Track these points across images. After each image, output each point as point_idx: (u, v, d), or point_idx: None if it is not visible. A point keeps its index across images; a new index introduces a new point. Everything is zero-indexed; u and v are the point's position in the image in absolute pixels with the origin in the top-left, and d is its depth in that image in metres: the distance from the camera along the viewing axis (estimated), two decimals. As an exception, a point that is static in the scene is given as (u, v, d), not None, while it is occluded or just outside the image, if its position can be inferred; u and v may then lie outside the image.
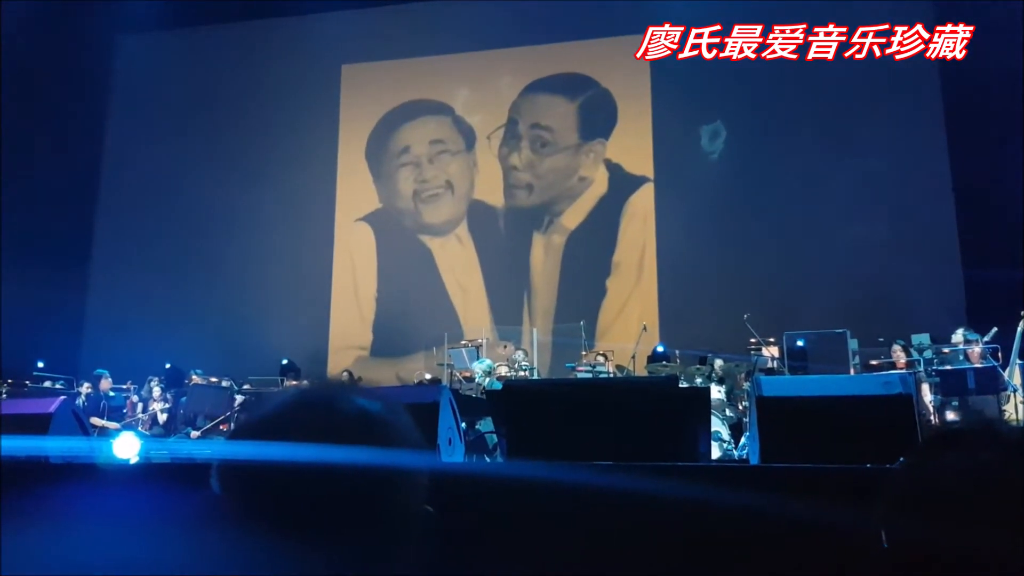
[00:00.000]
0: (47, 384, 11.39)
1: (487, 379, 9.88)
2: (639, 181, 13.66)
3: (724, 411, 9.04)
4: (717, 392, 9.06)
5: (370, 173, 14.93)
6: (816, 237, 12.14)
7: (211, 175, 14.73)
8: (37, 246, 13.02)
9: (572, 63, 14.20)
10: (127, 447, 5.29)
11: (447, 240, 14.32)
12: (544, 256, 13.73)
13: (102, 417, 10.28)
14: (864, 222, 11.85)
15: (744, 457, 7.68)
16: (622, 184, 13.73)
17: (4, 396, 9.63)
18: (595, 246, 13.58)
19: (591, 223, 13.73)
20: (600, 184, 13.83)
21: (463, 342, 11.65)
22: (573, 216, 13.82)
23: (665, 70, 12.88)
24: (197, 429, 10.43)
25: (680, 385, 5.95)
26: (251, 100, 15.04)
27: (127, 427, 9.86)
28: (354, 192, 14.90)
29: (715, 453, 7.84)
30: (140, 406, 11.03)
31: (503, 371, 10.36)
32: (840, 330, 10.04)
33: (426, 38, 14.67)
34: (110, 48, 15.71)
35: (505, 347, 11.92)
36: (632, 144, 13.78)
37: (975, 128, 11.28)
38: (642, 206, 13.56)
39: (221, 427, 10.70)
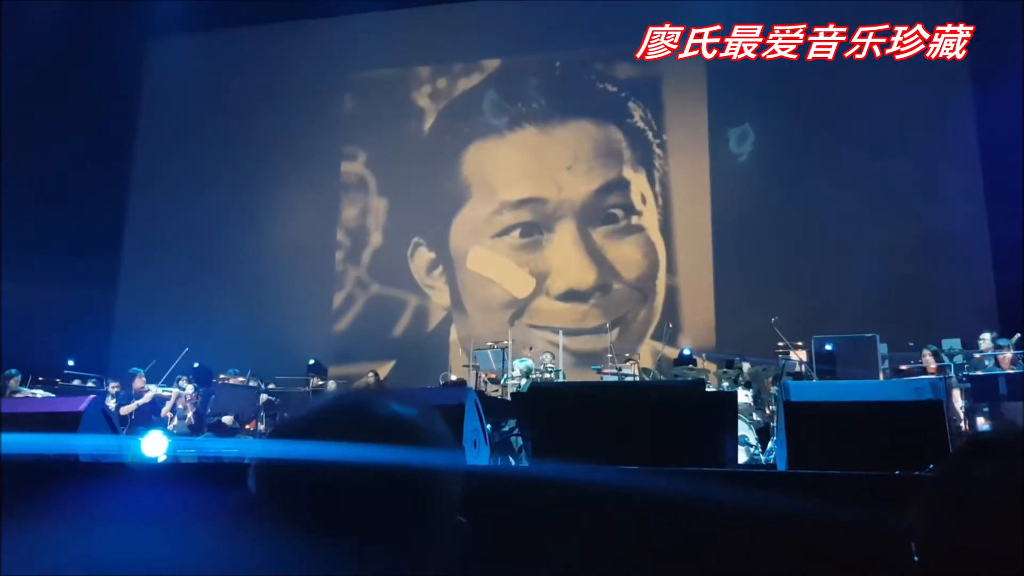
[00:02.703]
0: (77, 382, 11.54)
1: (524, 380, 9.89)
2: (672, 183, 13.59)
3: (751, 415, 8.98)
4: (744, 396, 9.01)
5: (389, 175, 14.97)
6: (845, 240, 12.04)
7: (240, 175, 14.91)
8: (68, 246, 13.19)
9: (602, 66, 14.15)
10: (155, 445, 5.35)
11: (473, 241, 14.28)
12: (571, 257, 13.67)
13: (131, 413, 10.42)
14: (894, 225, 11.74)
15: (771, 462, 7.62)
16: (655, 185, 13.65)
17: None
18: (625, 248, 13.52)
19: (621, 224, 13.66)
20: (634, 186, 13.74)
21: (489, 344, 11.65)
22: (603, 217, 13.75)
23: (691, 71, 12.89)
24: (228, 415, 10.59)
25: (707, 389, 5.92)
26: (279, 101, 15.14)
27: (156, 424, 9.95)
28: (374, 194, 14.96)
29: (742, 457, 7.79)
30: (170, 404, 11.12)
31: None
32: (869, 334, 9.93)
33: (445, 42, 14.72)
34: (141, 50, 15.88)
35: (531, 349, 11.92)
36: (667, 146, 13.72)
37: (1007, 128, 11.12)
38: (674, 208, 13.50)
39: (247, 426, 10.80)
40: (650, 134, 13.87)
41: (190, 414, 10.90)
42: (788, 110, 12.83)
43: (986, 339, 9.40)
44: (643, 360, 12.10)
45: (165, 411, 10.92)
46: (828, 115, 12.50)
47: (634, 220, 13.66)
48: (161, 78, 15.85)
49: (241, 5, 14.49)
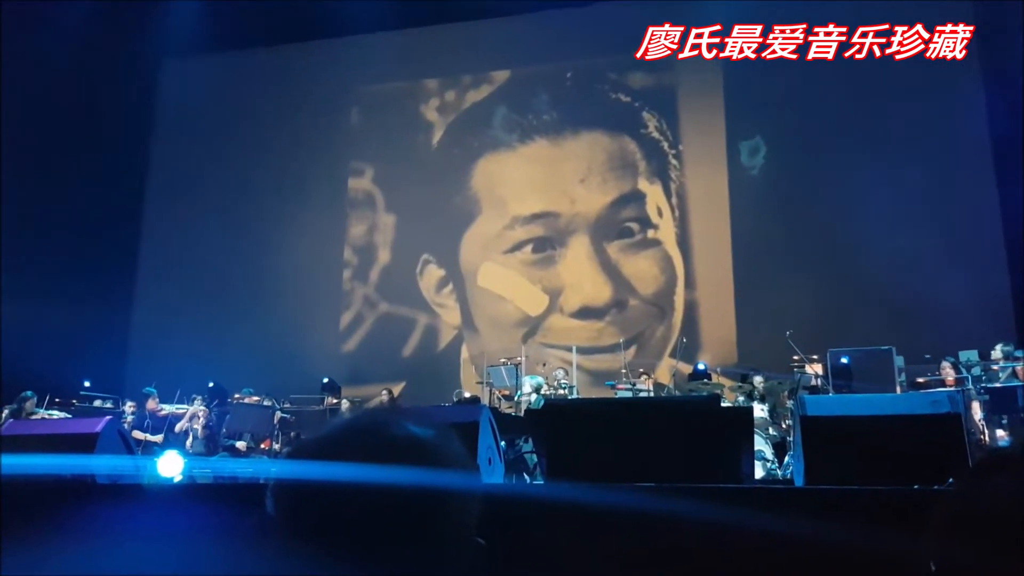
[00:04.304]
0: (97, 403, 11.59)
1: (535, 396, 9.86)
2: (689, 194, 13.46)
3: (767, 430, 8.94)
4: (760, 410, 8.97)
5: (397, 191, 14.93)
6: (859, 251, 11.94)
7: (253, 195, 14.95)
8: (83, 267, 13.28)
9: (614, 75, 14.08)
10: (171, 466, 5.37)
11: (484, 258, 14.19)
12: (586, 272, 13.54)
13: (144, 430, 10.49)
14: (908, 235, 11.65)
15: (788, 477, 7.58)
16: (671, 197, 13.50)
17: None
18: (641, 263, 13.36)
19: (636, 238, 13.51)
20: (650, 198, 13.58)
21: (502, 360, 11.60)
22: (618, 231, 13.60)
23: (707, 79, 12.92)
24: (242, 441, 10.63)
25: (722, 404, 5.89)
26: (286, 118, 15.18)
27: (170, 444, 9.98)
28: (382, 210, 14.95)
29: (758, 472, 7.75)
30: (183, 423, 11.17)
31: (543, 389, 10.34)
32: (885, 347, 9.86)
33: (454, 54, 14.72)
34: (155, 71, 15.99)
35: (544, 365, 11.88)
36: (683, 156, 13.63)
37: (1021, 135, 11.03)
38: (692, 220, 13.35)
39: (262, 445, 10.82)
40: (666, 144, 13.69)
41: (200, 431, 10.89)
42: (800, 121, 12.74)
43: (998, 350, 9.35)
44: (661, 376, 12.00)
45: (180, 428, 10.95)
46: (840, 126, 12.41)
47: (650, 234, 13.46)
48: (174, 98, 15.92)
49: (251, 26, 14.56)
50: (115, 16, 14.04)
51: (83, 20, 13.73)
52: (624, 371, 11.17)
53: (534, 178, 14.14)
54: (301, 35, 15.09)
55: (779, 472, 8.32)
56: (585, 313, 13.38)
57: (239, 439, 10.77)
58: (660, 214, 13.50)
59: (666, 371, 12.26)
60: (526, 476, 7.62)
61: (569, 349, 12.40)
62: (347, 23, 14.35)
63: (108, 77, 14.25)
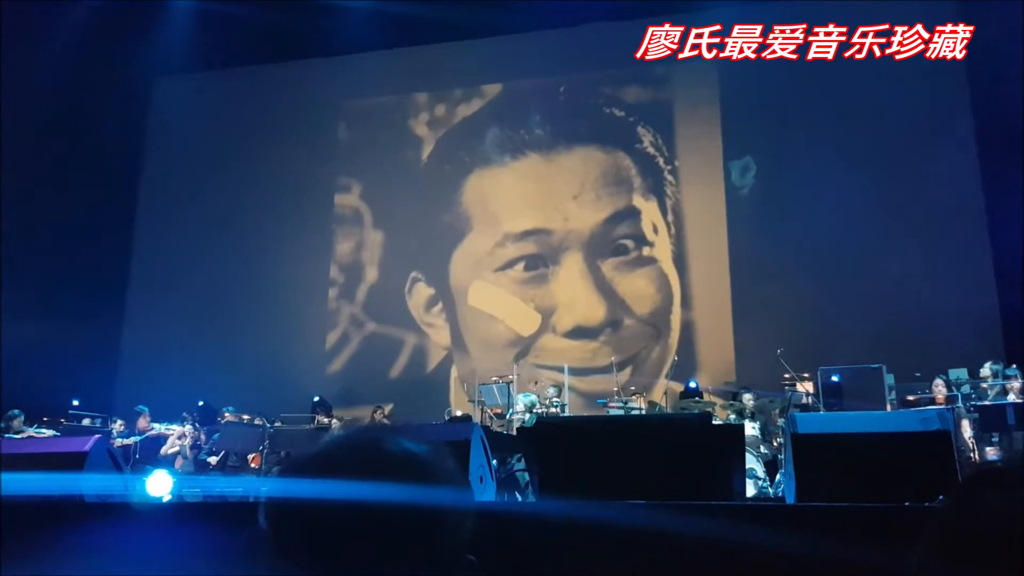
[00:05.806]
0: (86, 422, 11.53)
1: (528, 415, 9.83)
2: (685, 211, 13.33)
3: (759, 448, 8.94)
4: (751, 428, 8.97)
5: (385, 207, 14.80)
6: (849, 270, 11.95)
7: (244, 213, 14.85)
8: (72, 285, 13.24)
9: (609, 90, 14.01)
10: (160, 485, 5.35)
11: (475, 276, 14.06)
12: (579, 291, 13.40)
13: (131, 449, 10.48)
14: (897, 253, 11.69)
15: (780, 495, 7.58)
16: (667, 214, 13.36)
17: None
18: (636, 281, 13.21)
19: (631, 256, 13.34)
20: (645, 215, 13.42)
21: (494, 378, 11.53)
22: (612, 248, 13.44)
23: (703, 93, 12.95)
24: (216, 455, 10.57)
25: (714, 422, 5.89)
26: (277, 136, 15.07)
27: (160, 464, 9.94)
28: (370, 227, 14.86)
29: (750, 490, 7.74)
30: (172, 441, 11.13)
31: (536, 408, 10.32)
32: (876, 365, 9.88)
33: (444, 68, 14.65)
34: (147, 89, 15.97)
35: (536, 383, 11.83)
36: (678, 172, 13.51)
37: (1008, 153, 11.08)
38: (688, 238, 13.23)
39: (251, 463, 10.75)
40: (661, 160, 13.51)
41: (188, 450, 10.84)
42: (788, 141, 12.73)
43: (986, 368, 9.40)
44: (654, 394, 11.93)
45: (165, 450, 10.91)
46: (829, 144, 12.37)
47: (645, 251, 13.26)
48: (165, 116, 15.86)
49: (240, 45, 14.54)
50: (107, 36, 14.08)
51: (76, 40, 13.78)
52: (616, 390, 11.12)
53: (526, 194, 13.96)
54: (290, 54, 15.07)
55: (770, 490, 8.33)
56: (579, 333, 13.19)
57: (216, 455, 10.70)
58: (655, 231, 13.31)
59: (659, 390, 12.17)
60: (517, 495, 7.59)
61: (562, 370, 12.17)
62: (336, 43, 14.33)
63: (100, 95, 14.24)
